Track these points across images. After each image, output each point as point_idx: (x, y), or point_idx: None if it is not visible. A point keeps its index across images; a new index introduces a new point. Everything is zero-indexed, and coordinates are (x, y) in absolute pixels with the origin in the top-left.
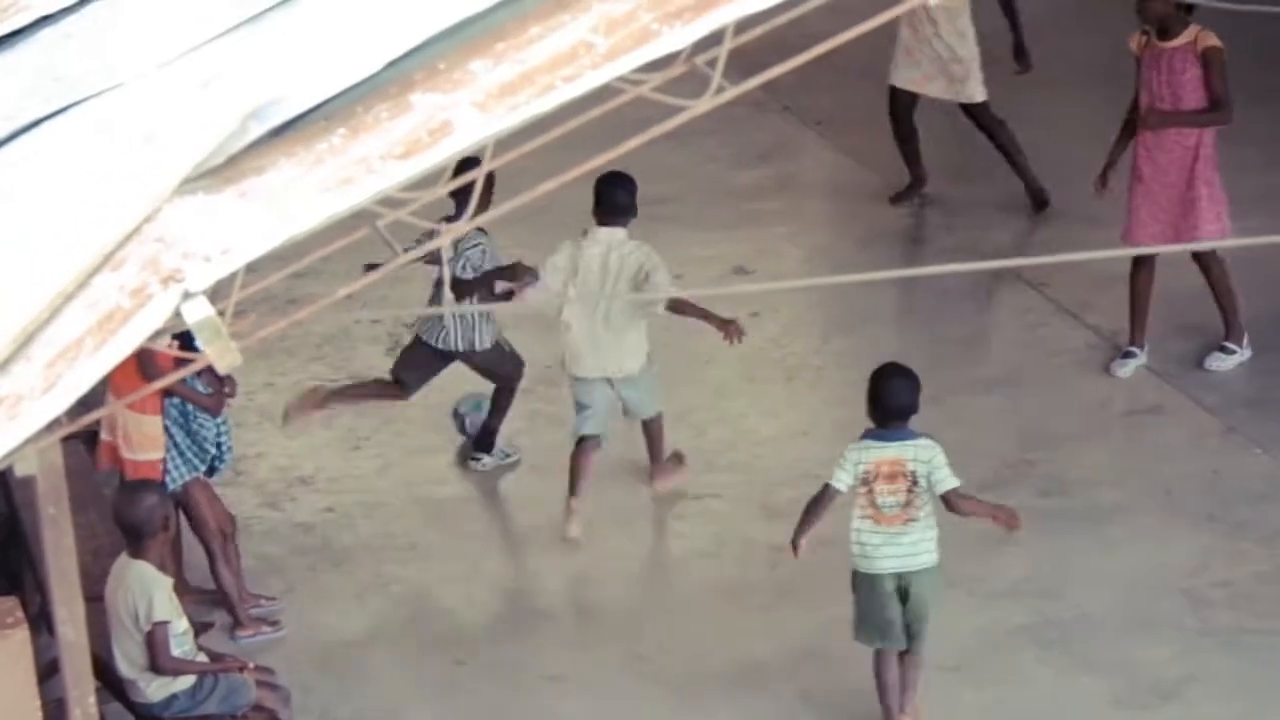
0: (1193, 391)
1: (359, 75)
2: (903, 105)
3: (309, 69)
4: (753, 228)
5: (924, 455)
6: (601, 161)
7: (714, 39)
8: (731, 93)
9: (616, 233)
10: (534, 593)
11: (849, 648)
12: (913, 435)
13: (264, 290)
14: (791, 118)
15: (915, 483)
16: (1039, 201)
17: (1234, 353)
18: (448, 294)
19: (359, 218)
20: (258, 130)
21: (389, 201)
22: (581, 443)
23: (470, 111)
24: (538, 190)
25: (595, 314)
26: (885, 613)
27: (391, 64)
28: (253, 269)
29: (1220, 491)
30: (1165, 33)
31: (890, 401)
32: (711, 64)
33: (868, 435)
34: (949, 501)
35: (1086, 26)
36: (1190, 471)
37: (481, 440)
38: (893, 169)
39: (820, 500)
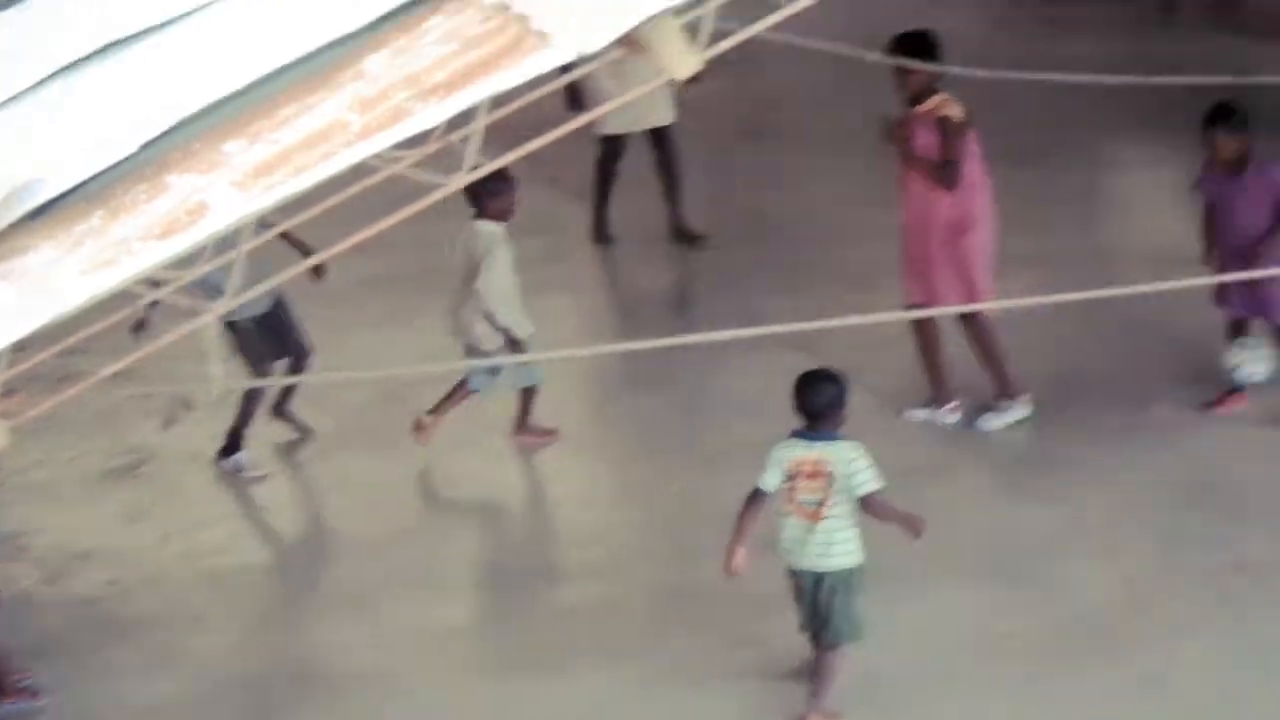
0: (973, 449)
1: (116, 156)
2: (616, 153)
3: (67, 150)
4: (524, 296)
5: (845, 456)
6: (364, 237)
7: (472, 114)
8: (489, 167)
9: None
10: (326, 659)
11: None
12: (835, 437)
13: (33, 369)
14: (557, 190)
15: (833, 482)
16: (689, 237)
17: (1005, 411)
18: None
19: (123, 297)
20: (18, 211)
21: (151, 281)
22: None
23: (228, 191)
24: (301, 266)
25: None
26: (801, 606)
27: (148, 144)
28: (21, 348)
29: (1003, 546)
30: (916, 100)
31: (811, 403)
32: (466, 140)
33: (793, 434)
34: (866, 504)
35: (846, 94)
36: (973, 528)
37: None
38: (658, 236)
39: (750, 505)
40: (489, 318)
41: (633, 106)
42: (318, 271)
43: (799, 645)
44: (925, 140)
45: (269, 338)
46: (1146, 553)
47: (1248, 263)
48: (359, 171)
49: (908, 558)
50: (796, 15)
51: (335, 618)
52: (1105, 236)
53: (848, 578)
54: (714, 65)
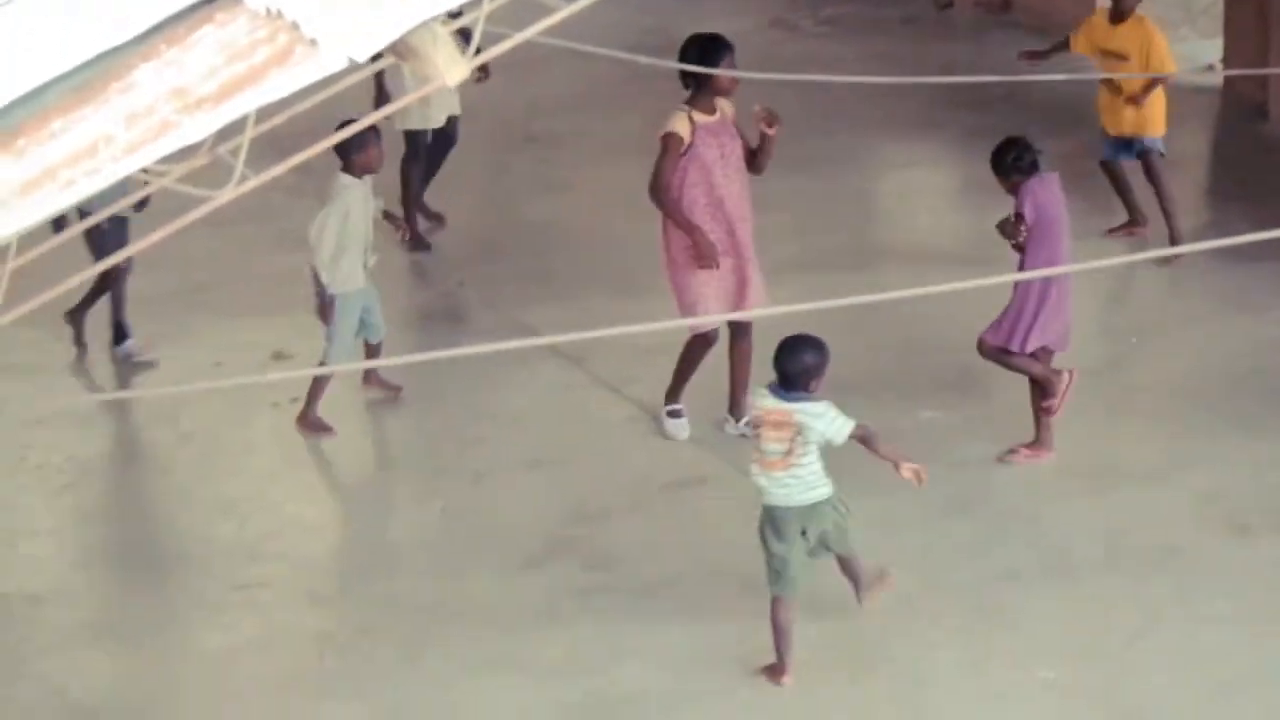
0: (736, 461)
1: None
2: (419, 149)
3: None
4: (290, 312)
5: (815, 411)
6: (133, 251)
7: (241, 126)
8: (256, 180)
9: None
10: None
11: None
12: (807, 398)
13: None
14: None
15: (799, 433)
16: (432, 215)
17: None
18: None
19: None
20: None
21: None
22: None
23: None
24: (71, 282)
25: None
26: (785, 552)
27: None
28: None
29: (763, 561)
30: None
31: (785, 366)
32: (235, 153)
33: (768, 385)
34: (863, 445)
35: (622, 98)
36: (735, 541)
37: (116, 328)
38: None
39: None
40: (313, 274)
41: (434, 102)
42: None
43: (564, 662)
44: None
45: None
46: (913, 564)
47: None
48: (132, 184)
49: (676, 570)
50: (573, 19)
51: (87, 651)
52: (878, 238)
53: (835, 503)
54: (489, 69)
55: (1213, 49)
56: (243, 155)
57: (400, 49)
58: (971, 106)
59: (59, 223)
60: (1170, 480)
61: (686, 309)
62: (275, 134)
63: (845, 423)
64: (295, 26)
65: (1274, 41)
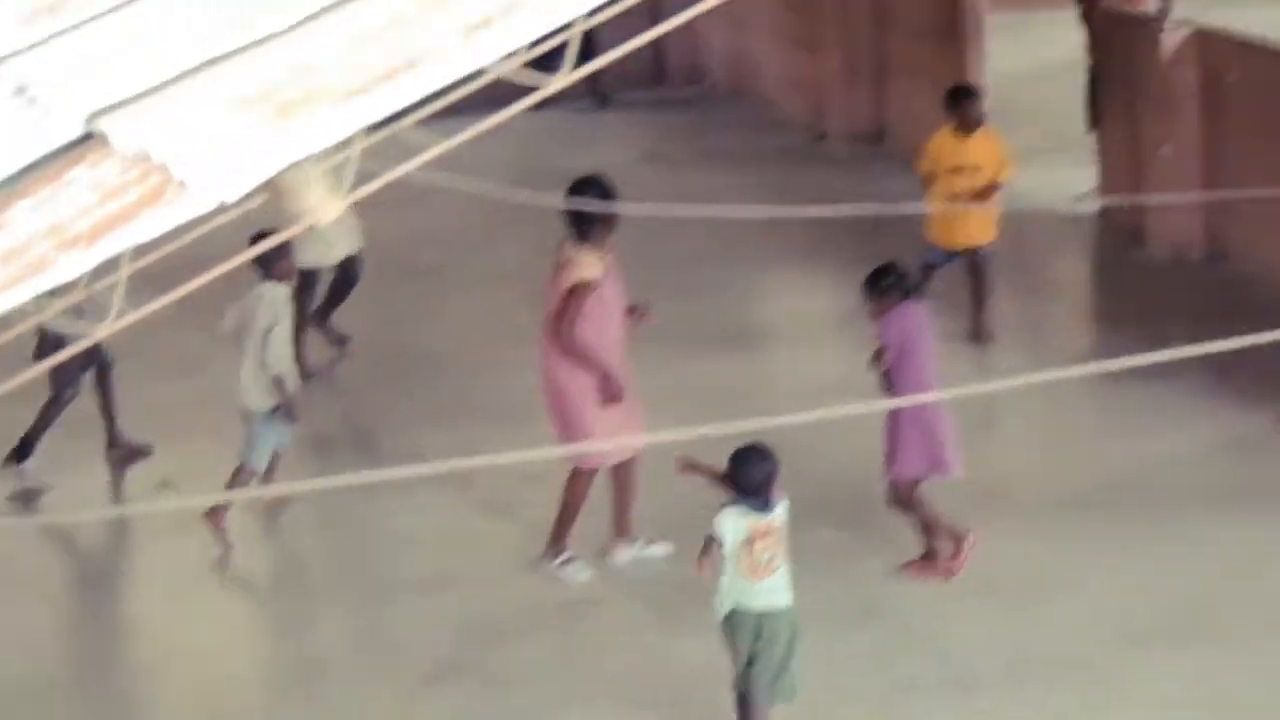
0: (624, 583)
1: None
2: (309, 286)
3: None
4: (176, 442)
5: (783, 511)
6: (14, 385)
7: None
8: (134, 315)
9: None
10: None
11: None
12: (775, 505)
13: None
14: (207, 333)
15: (781, 540)
16: (340, 338)
17: (634, 543)
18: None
19: None
20: None
21: None
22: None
23: None
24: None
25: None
26: (742, 654)
27: None
28: None
29: (659, 677)
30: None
31: (751, 477)
32: (112, 289)
33: (738, 504)
34: None
35: (502, 231)
36: (630, 659)
37: (22, 446)
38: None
39: (706, 551)
40: (278, 382)
41: (323, 239)
42: None
43: None
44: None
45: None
46: (813, 676)
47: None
48: (4, 321)
49: (573, 691)
50: (452, 154)
51: None
52: (760, 367)
53: (793, 616)
54: (370, 203)
55: (1086, 177)
56: (120, 291)
57: (273, 188)
58: (849, 236)
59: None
60: (1064, 594)
61: (576, 443)
62: (150, 270)
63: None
64: (165, 168)
65: (1147, 167)
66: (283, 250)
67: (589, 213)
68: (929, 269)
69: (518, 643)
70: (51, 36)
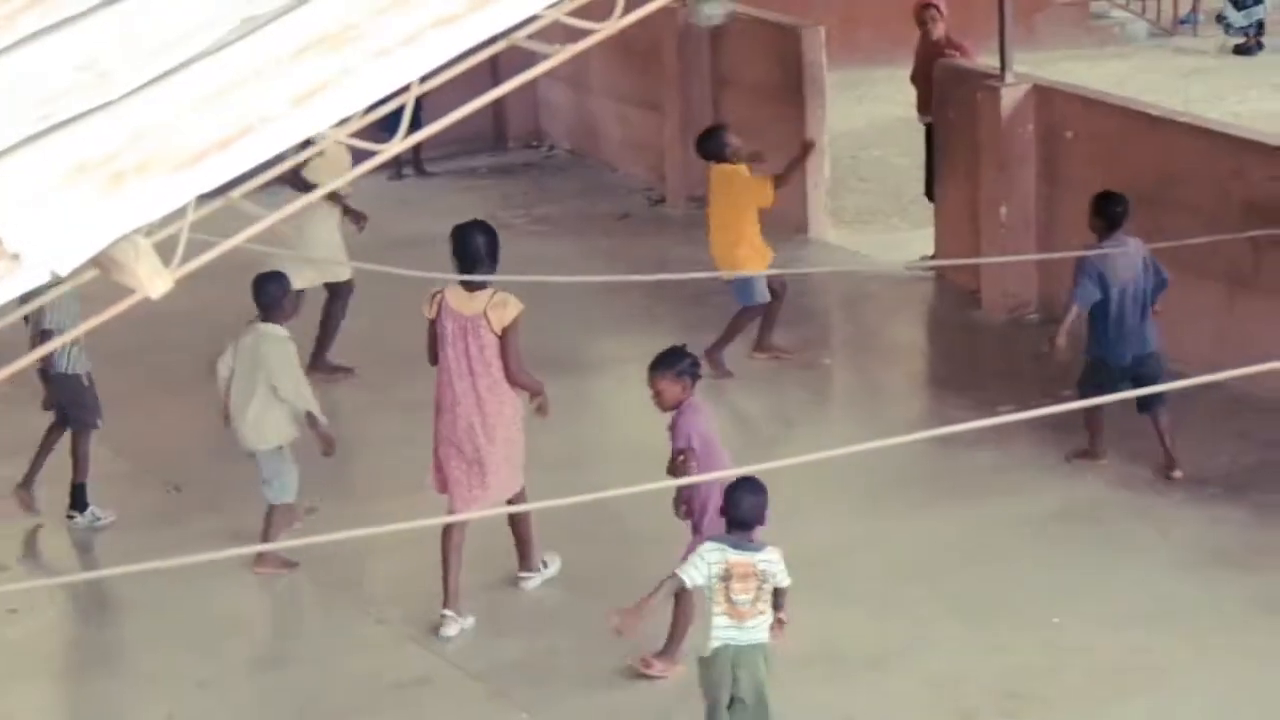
0: (458, 659)
1: None
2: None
3: None
4: (7, 522)
5: (770, 558)
6: None
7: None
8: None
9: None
10: None
11: None
12: (760, 546)
13: None
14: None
15: (763, 583)
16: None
17: (542, 569)
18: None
19: None
20: None
21: None
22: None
23: None
24: None
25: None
26: (719, 692)
27: None
28: None
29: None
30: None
31: (743, 512)
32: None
33: (721, 539)
34: (777, 596)
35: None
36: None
37: (74, 498)
38: (146, 454)
39: (667, 583)
40: (309, 418)
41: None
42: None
43: None
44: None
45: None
46: None
47: None
48: None
49: None
50: (283, 223)
51: None
52: (596, 436)
53: (766, 651)
54: (200, 274)
55: (924, 239)
56: None
57: (104, 261)
58: (688, 301)
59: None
60: (898, 666)
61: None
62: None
63: (785, 571)
64: None
65: (984, 230)
66: (286, 291)
67: (486, 253)
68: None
69: None
70: None
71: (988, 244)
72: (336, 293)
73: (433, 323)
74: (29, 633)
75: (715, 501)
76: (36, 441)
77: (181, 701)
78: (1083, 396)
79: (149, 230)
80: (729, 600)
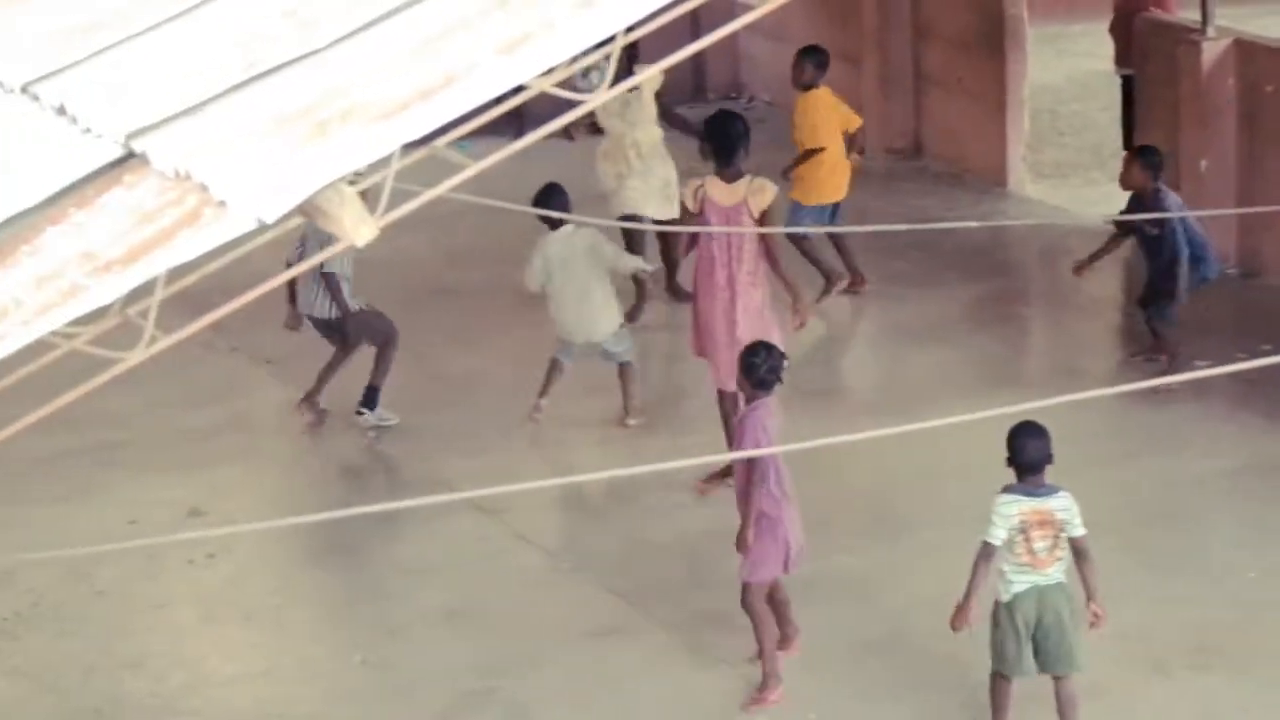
0: (651, 610)
1: None
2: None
3: None
4: (205, 469)
5: (1064, 504)
6: (45, 414)
7: (152, 287)
8: (167, 340)
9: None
10: None
11: None
12: (1053, 490)
13: None
14: (240, 356)
15: (1061, 530)
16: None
17: None
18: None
19: None
20: None
21: None
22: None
23: None
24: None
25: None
26: (1019, 646)
27: None
28: None
29: (682, 709)
30: None
31: (1031, 457)
32: (145, 314)
33: (1011, 489)
34: (1075, 545)
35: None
36: (652, 691)
37: (366, 397)
38: (345, 402)
39: (981, 560)
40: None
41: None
42: None
43: None
44: None
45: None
46: (837, 706)
47: None
48: (38, 347)
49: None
50: (482, 175)
51: None
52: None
53: (1067, 593)
54: (402, 223)
55: (1122, 193)
56: (152, 316)
57: (308, 209)
58: (886, 253)
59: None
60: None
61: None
62: (185, 291)
63: (1079, 519)
64: (204, 188)
65: (1184, 183)
66: (567, 199)
67: (741, 140)
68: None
69: (540, 674)
70: (91, 55)
71: (1187, 197)
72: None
73: (695, 216)
74: (224, 577)
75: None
76: (234, 388)
77: (373, 648)
78: None
79: (353, 178)
80: (1030, 551)
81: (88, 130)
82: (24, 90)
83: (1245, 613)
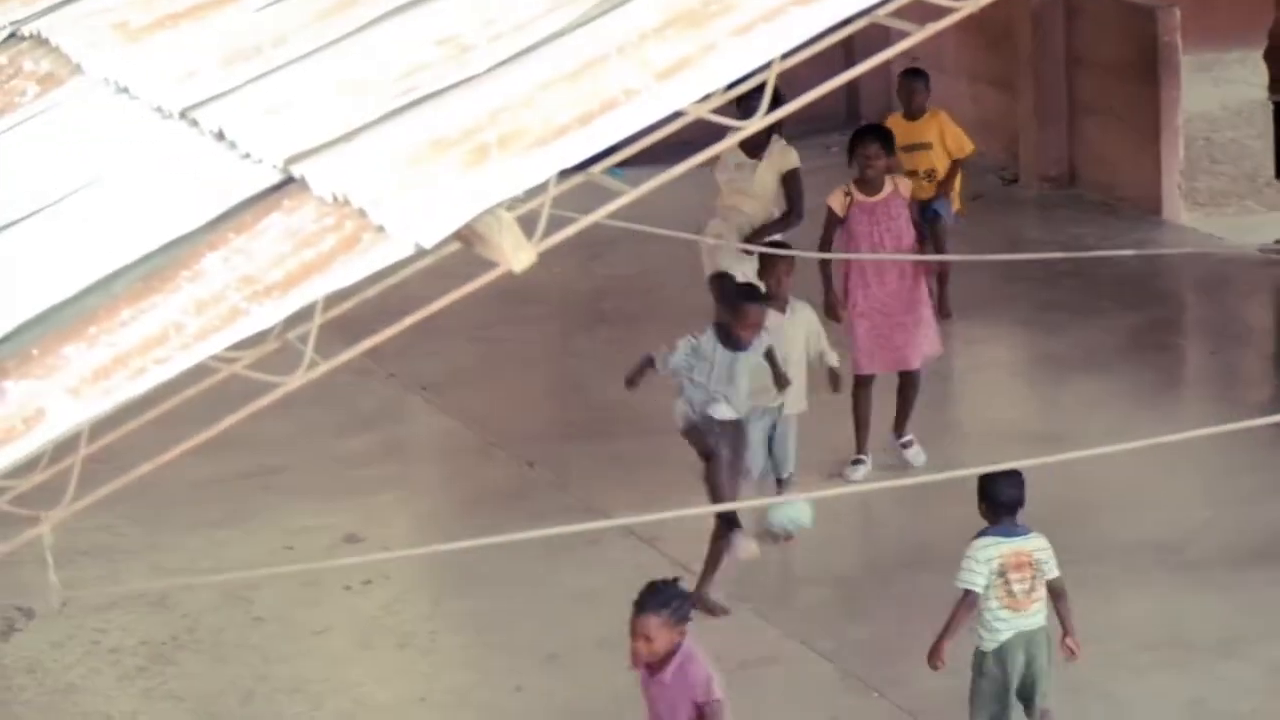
0: (805, 638)
1: None
2: None
3: None
4: (361, 495)
5: (1041, 545)
6: (204, 439)
7: (310, 312)
8: (326, 366)
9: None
10: None
11: None
12: (1028, 530)
13: None
14: (396, 383)
15: (1037, 572)
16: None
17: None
18: None
19: None
20: None
21: None
22: None
23: (64, 398)
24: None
25: None
26: (1005, 691)
27: None
28: None
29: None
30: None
31: (1006, 497)
32: (304, 338)
33: (988, 533)
34: (1052, 588)
35: (685, 277)
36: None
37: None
38: (497, 429)
39: (963, 606)
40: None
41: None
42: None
43: None
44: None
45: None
46: None
47: None
48: (198, 372)
49: None
50: (638, 202)
51: None
52: (950, 414)
53: (1048, 634)
54: (555, 249)
55: (1278, 221)
56: (312, 341)
57: (467, 235)
58: (1040, 281)
59: None
60: (1242, 652)
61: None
62: (343, 317)
63: (1054, 561)
64: (362, 213)
65: None
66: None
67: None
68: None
69: None
70: (250, 81)
71: None
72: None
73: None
74: (380, 604)
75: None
76: (390, 414)
77: (531, 674)
78: None
79: (511, 204)
80: (1009, 593)
81: (247, 155)
82: (183, 115)
83: None
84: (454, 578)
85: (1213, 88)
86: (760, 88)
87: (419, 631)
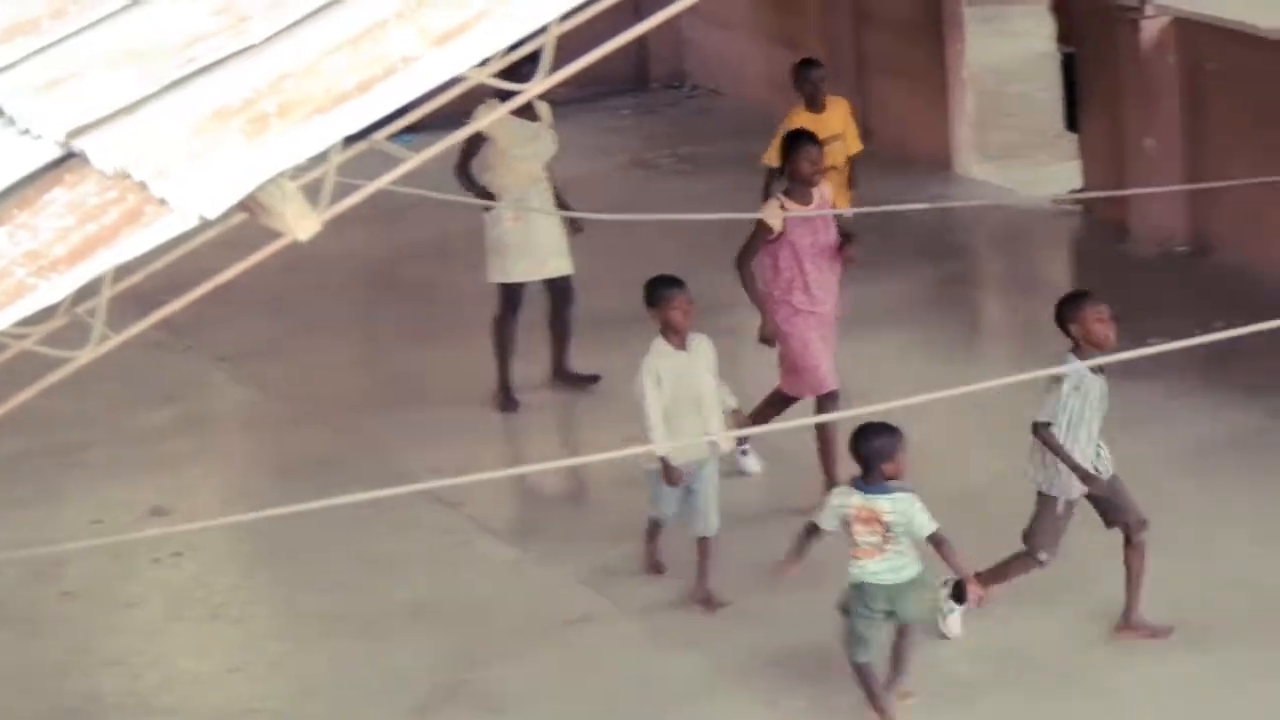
0: (619, 598)
1: None
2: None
3: None
4: (167, 468)
5: (897, 508)
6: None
7: (98, 285)
8: (117, 339)
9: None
10: None
11: None
12: (887, 489)
13: None
14: (195, 355)
15: (889, 529)
16: (579, 379)
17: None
18: None
19: None
20: None
21: None
22: None
23: None
24: None
25: None
26: (867, 628)
27: None
28: None
29: (654, 695)
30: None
31: (861, 451)
32: (94, 313)
33: (852, 483)
34: (933, 543)
35: (482, 249)
36: (623, 677)
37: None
38: (299, 398)
39: (808, 534)
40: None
41: (534, 252)
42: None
43: None
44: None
45: None
46: (798, 691)
47: None
48: None
49: (569, 711)
50: (425, 168)
51: None
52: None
53: (922, 579)
54: (348, 217)
55: (1069, 172)
56: (101, 314)
57: (251, 205)
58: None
59: None
60: (1064, 596)
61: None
62: (135, 290)
63: (928, 521)
64: (144, 186)
65: (1129, 162)
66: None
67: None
68: None
69: (510, 665)
70: (29, 55)
71: (1134, 177)
72: (562, 292)
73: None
74: (191, 576)
75: None
76: (191, 386)
77: (343, 641)
78: None
79: (294, 174)
80: (854, 543)
81: (26, 131)
82: None
83: (1216, 588)
84: (263, 548)
85: (998, 39)
86: (538, 52)
87: (230, 602)
